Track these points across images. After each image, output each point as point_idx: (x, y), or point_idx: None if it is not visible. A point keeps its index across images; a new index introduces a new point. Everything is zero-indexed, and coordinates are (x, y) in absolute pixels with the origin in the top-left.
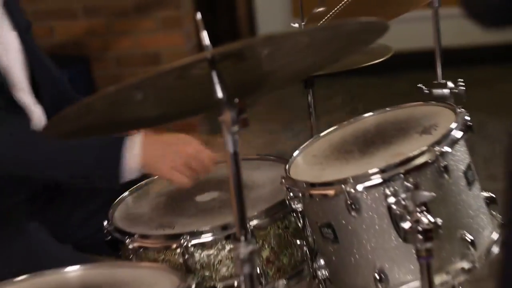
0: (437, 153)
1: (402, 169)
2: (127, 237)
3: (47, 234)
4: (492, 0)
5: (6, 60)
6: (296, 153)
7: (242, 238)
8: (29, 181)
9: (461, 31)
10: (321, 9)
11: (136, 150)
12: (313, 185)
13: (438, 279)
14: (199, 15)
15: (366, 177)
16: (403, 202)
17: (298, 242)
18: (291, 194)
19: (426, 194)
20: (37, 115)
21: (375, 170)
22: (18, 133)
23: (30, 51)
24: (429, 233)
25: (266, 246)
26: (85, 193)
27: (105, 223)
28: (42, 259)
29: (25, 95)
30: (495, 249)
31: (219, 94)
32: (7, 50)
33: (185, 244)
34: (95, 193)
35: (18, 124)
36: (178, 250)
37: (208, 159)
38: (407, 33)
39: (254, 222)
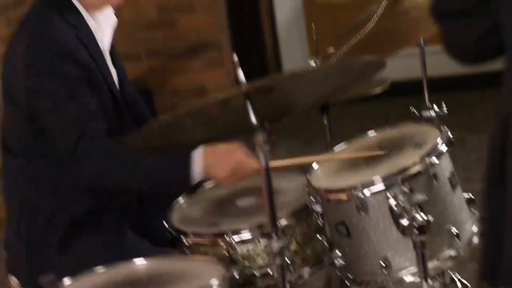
0: (427, 163)
1: (400, 177)
2: (182, 235)
3: (133, 232)
4: (467, 44)
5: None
6: (315, 165)
7: (274, 235)
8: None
9: (445, 63)
10: (332, 50)
11: (198, 161)
12: (329, 191)
13: (431, 265)
14: (235, 57)
15: (371, 183)
16: (401, 204)
17: (319, 237)
18: (312, 198)
19: (419, 197)
20: None
21: (378, 178)
22: (111, 153)
23: (123, 87)
24: (423, 228)
25: (293, 241)
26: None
27: (164, 223)
28: (130, 253)
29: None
30: (475, 239)
31: (253, 120)
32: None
33: (229, 240)
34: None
35: (110, 145)
36: (224, 245)
37: (251, 167)
38: (400, 65)
39: (283, 222)
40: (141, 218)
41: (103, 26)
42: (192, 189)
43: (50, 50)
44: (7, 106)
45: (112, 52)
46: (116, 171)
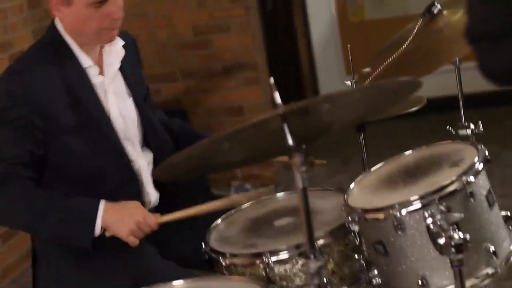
0: (464, 182)
1: (437, 196)
2: (220, 256)
3: (156, 253)
4: (502, 67)
5: (125, 118)
6: (352, 185)
7: (311, 255)
8: None
9: (479, 79)
10: (367, 69)
11: (98, 219)
12: (366, 210)
13: (469, 283)
14: (272, 80)
15: (409, 203)
16: (438, 222)
17: (356, 256)
18: (349, 218)
19: (456, 215)
20: (141, 164)
21: (416, 197)
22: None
23: (144, 116)
24: (460, 246)
25: (331, 260)
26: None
27: (203, 245)
28: (152, 274)
29: (134, 149)
30: None
31: (290, 142)
32: (125, 113)
33: (266, 260)
34: (192, 220)
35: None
36: (261, 266)
37: (152, 221)
38: (435, 82)
39: (321, 242)
40: (166, 238)
41: (109, 60)
42: (91, 244)
43: (11, 89)
44: None
45: (130, 80)
46: (22, 214)
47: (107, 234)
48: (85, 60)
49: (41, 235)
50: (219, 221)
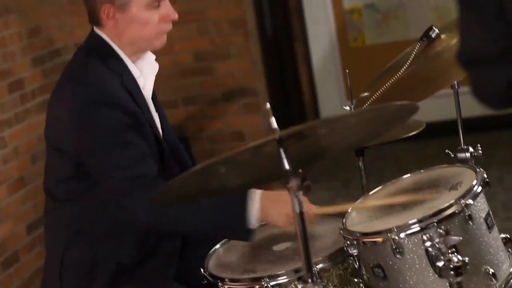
0: (463, 205)
1: (435, 219)
2: (219, 281)
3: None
4: (496, 90)
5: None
6: (351, 209)
7: (309, 280)
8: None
9: (478, 103)
10: (366, 94)
11: (256, 207)
12: (365, 234)
13: None
14: (268, 105)
15: (407, 226)
16: (437, 245)
17: (355, 280)
18: (348, 242)
19: (455, 238)
20: None
21: (414, 220)
22: None
23: (165, 133)
24: (459, 269)
25: (330, 284)
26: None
27: (202, 270)
28: None
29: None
30: None
31: (286, 166)
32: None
33: (265, 285)
34: (192, 245)
35: None
36: None
37: (310, 210)
38: (434, 106)
39: (319, 266)
40: (182, 265)
41: (145, 73)
42: (249, 235)
43: (96, 98)
44: (52, 154)
45: (154, 99)
46: (177, 211)
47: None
48: (135, 71)
49: (200, 230)
50: (218, 246)
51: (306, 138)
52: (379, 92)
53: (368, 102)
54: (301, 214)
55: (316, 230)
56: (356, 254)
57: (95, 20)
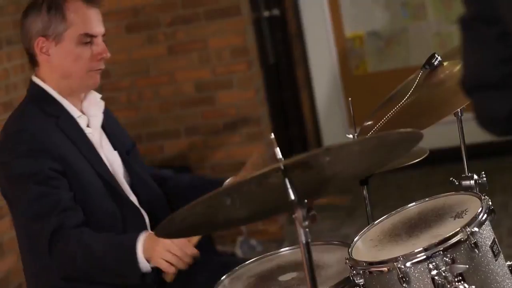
0: (468, 233)
1: (441, 247)
2: None
3: None
4: (499, 117)
5: (114, 170)
6: (356, 238)
7: None
8: None
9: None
10: (369, 122)
11: (139, 248)
12: (371, 263)
13: None
14: (272, 135)
15: (413, 255)
16: (443, 274)
17: None
18: (354, 271)
19: (461, 266)
20: (146, 217)
21: (420, 249)
22: (81, 243)
23: (130, 169)
24: None
25: None
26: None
27: None
28: None
29: (134, 200)
30: None
31: (292, 196)
32: (113, 165)
33: None
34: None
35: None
36: None
37: (185, 245)
38: (438, 133)
39: None
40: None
41: (90, 113)
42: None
43: (23, 147)
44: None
45: (112, 135)
46: (78, 264)
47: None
48: (74, 111)
49: (98, 279)
50: (224, 277)
51: (311, 168)
52: (382, 120)
53: (372, 131)
54: (307, 244)
55: (322, 260)
56: (362, 283)
57: (32, 60)
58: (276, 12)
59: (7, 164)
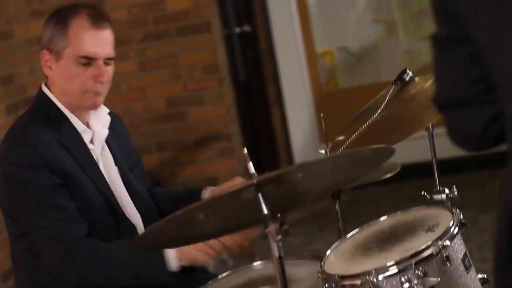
0: (440, 246)
1: (413, 261)
2: None
3: None
4: (472, 133)
5: (115, 186)
6: (328, 252)
7: None
8: None
9: (453, 145)
10: (341, 137)
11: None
12: (343, 277)
13: None
14: (245, 150)
15: (385, 268)
16: (415, 287)
17: None
18: (327, 285)
19: (433, 280)
20: (139, 225)
21: (392, 262)
22: (93, 253)
23: (128, 186)
24: None
25: None
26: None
27: None
28: None
29: (133, 214)
30: None
31: (265, 211)
32: (112, 181)
33: None
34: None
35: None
36: None
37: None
38: (410, 148)
39: None
40: None
41: (96, 128)
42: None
43: (25, 159)
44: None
45: (115, 150)
46: (100, 270)
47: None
48: (78, 125)
49: (123, 283)
50: None
51: (283, 183)
52: (354, 135)
53: (343, 146)
54: (280, 258)
55: (294, 274)
56: None
57: (42, 68)
58: (247, 28)
59: (14, 175)
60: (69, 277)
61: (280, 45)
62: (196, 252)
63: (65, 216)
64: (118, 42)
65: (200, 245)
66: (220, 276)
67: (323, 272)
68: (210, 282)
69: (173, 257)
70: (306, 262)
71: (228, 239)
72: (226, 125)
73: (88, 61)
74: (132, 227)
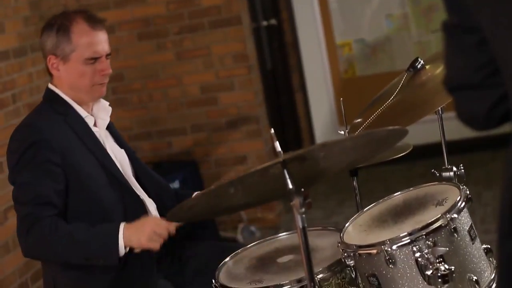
0: (448, 219)
1: (424, 232)
2: None
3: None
4: (478, 114)
5: (122, 164)
6: (347, 224)
7: None
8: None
9: (461, 127)
10: (359, 120)
11: (120, 237)
12: (360, 246)
13: None
14: (272, 131)
15: (398, 239)
16: (426, 256)
17: None
18: (345, 254)
19: (442, 249)
20: (150, 204)
21: (405, 233)
22: (53, 232)
23: (137, 165)
24: (446, 277)
25: None
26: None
27: (213, 281)
28: None
29: (138, 191)
30: (494, 285)
31: (290, 186)
32: (120, 160)
33: None
34: (200, 254)
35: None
36: None
37: (165, 224)
38: (421, 130)
39: (320, 276)
40: (179, 272)
41: (99, 115)
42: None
43: (28, 139)
44: None
45: (117, 136)
46: (53, 247)
47: (135, 249)
48: (82, 112)
49: (73, 261)
50: (227, 259)
51: (306, 161)
52: (370, 118)
53: (361, 128)
54: (304, 229)
55: (316, 244)
56: (352, 264)
57: (48, 71)
58: (273, 22)
59: (12, 153)
60: (29, 250)
61: (303, 37)
62: (143, 239)
63: (38, 196)
64: (157, 35)
65: (148, 232)
66: (249, 246)
67: (342, 242)
68: (239, 250)
69: (122, 244)
70: (327, 233)
71: (171, 226)
72: (254, 109)
73: (94, 60)
74: (140, 201)
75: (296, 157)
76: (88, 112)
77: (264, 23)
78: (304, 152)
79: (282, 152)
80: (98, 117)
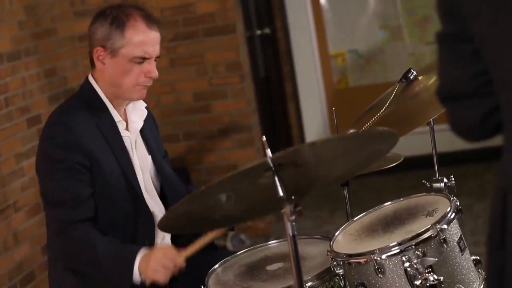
0: (438, 229)
1: (413, 242)
2: None
3: None
4: (471, 124)
5: (144, 173)
6: (337, 233)
7: None
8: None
9: (453, 139)
10: (351, 130)
11: (136, 268)
12: (350, 255)
13: None
14: (264, 138)
15: (388, 248)
16: (415, 266)
17: None
18: (335, 262)
19: (431, 259)
20: (156, 212)
21: (394, 243)
22: (83, 239)
23: (162, 172)
24: (434, 287)
25: None
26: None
27: (202, 287)
28: None
29: (152, 200)
30: None
31: (280, 193)
32: (144, 168)
33: None
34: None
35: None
36: None
37: (176, 259)
38: (412, 142)
39: (309, 284)
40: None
41: (132, 119)
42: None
43: (56, 137)
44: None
45: (149, 141)
46: (78, 256)
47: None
48: (115, 115)
49: (92, 274)
50: (216, 266)
51: (297, 167)
52: (363, 128)
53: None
54: (294, 237)
55: (306, 252)
56: (342, 273)
57: (91, 61)
58: (267, 31)
59: (46, 150)
60: (61, 253)
61: (296, 47)
62: (149, 272)
63: (75, 198)
64: None
65: (153, 263)
66: (238, 253)
67: (331, 250)
68: (229, 257)
69: (137, 273)
70: (317, 242)
71: (179, 258)
72: (247, 117)
73: (142, 59)
74: (150, 215)
75: (286, 159)
76: (121, 116)
77: (258, 32)
78: (293, 151)
79: (273, 157)
80: (130, 120)
